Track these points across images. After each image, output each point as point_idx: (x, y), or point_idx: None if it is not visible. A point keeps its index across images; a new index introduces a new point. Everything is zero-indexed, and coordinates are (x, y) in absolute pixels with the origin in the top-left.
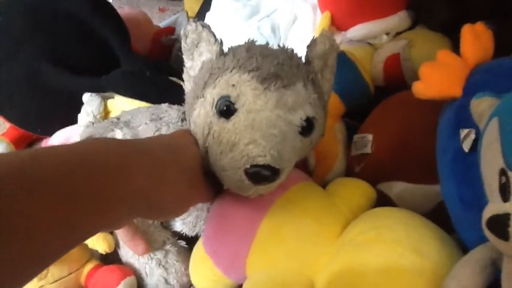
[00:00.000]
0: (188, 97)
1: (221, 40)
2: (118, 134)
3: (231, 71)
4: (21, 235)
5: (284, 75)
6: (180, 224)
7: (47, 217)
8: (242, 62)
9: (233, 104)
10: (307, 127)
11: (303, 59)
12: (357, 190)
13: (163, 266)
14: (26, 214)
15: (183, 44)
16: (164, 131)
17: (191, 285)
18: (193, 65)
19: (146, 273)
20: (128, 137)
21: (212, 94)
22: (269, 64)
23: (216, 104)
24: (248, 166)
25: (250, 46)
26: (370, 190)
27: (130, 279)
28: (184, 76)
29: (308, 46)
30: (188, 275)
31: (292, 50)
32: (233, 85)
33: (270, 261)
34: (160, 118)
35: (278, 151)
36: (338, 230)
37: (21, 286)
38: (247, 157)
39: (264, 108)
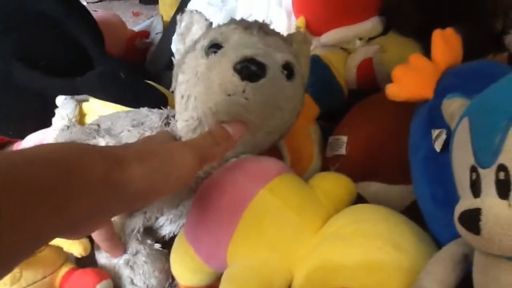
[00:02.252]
0: (176, 66)
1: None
2: (102, 143)
3: (219, 27)
4: None
5: (266, 28)
6: (168, 224)
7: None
8: (230, 21)
9: (221, 42)
10: (288, 72)
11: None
12: (338, 184)
13: (130, 266)
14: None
15: (177, 29)
16: None
17: None
18: (184, 48)
19: (114, 273)
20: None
21: (203, 43)
22: (254, 21)
23: (205, 48)
24: (237, 60)
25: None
26: (351, 185)
27: (106, 282)
28: (176, 54)
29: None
30: (157, 278)
31: None
32: (221, 33)
33: (251, 250)
34: (142, 123)
35: (265, 52)
36: (319, 223)
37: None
38: (235, 55)
39: (248, 41)
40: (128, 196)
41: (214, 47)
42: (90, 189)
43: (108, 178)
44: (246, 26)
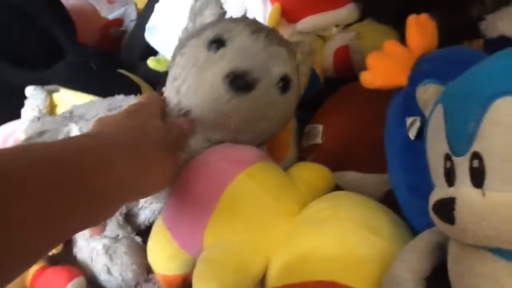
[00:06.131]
0: (177, 45)
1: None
2: (74, 129)
3: (230, 22)
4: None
5: (273, 35)
6: (148, 212)
7: (34, 215)
8: (242, 18)
9: (225, 40)
10: (284, 84)
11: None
12: (317, 173)
13: (109, 255)
14: (11, 215)
15: (191, 6)
16: None
17: (137, 284)
18: (193, 26)
19: (91, 258)
20: (85, 130)
21: (208, 34)
22: (264, 26)
23: (210, 40)
24: (230, 70)
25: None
26: (329, 175)
27: (78, 280)
28: (182, 31)
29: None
30: (134, 271)
31: None
32: (229, 30)
33: (227, 234)
34: (119, 107)
35: (259, 68)
36: (297, 208)
37: (10, 281)
38: (230, 64)
39: (251, 48)
40: (144, 194)
41: (218, 42)
42: (114, 191)
43: (133, 182)
44: (255, 29)
